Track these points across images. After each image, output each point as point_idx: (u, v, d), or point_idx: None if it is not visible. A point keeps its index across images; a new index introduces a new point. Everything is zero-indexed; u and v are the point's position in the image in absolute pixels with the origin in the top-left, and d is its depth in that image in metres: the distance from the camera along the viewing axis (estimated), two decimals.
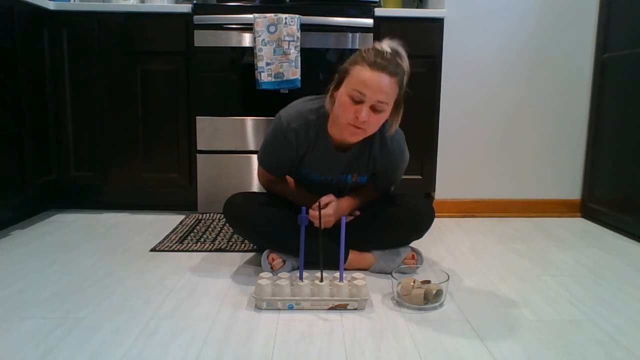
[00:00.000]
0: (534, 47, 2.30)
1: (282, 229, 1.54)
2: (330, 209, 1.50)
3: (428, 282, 1.38)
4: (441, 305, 1.34)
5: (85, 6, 2.20)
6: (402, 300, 1.34)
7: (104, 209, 2.36)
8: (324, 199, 1.51)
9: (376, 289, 1.45)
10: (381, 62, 1.31)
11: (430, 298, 1.32)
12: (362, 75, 1.31)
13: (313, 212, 1.45)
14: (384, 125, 1.45)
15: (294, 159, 1.54)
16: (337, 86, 1.39)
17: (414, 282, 1.35)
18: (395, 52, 1.36)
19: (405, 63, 1.37)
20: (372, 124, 1.36)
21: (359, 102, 1.32)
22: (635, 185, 2.03)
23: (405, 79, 1.38)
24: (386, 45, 1.36)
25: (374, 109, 1.33)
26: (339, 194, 1.59)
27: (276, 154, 1.53)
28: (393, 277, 1.38)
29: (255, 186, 2.27)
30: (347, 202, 1.58)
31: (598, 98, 2.29)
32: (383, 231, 1.58)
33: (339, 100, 1.36)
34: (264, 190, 1.70)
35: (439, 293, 1.33)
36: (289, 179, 1.66)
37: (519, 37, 2.29)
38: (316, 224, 1.44)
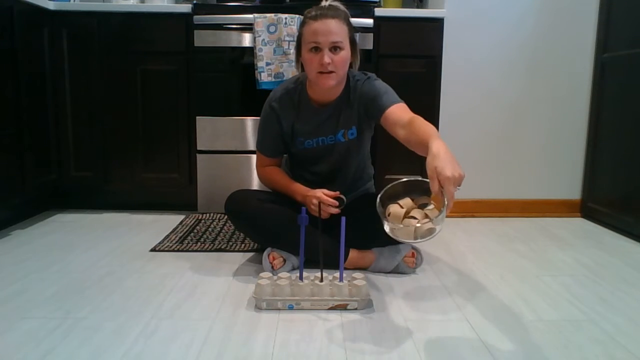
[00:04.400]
0: (534, 47, 2.30)
1: (282, 223, 1.55)
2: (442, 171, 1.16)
3: (425, 205, 1.14)
4: (432, 237, 1.09)
5: (85, 6, 2.20)
6: (392, 234, 1.11)
7: (104, 209, 2.36)
8: (329, 193, 1.55)
9: (376, 289, 1.45)
10: (321, 12, 1.48)
11: (420, 235, 1.08)
12: (310, 29, 1.48)
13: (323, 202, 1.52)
14: (351, 72, 1.60)
15: (285, 131, 1.63)
16: (299, 52, 1.55)
17: (409, 207, 1.11)
18: (331, 4, 1.54)
19: (343, 7, 1.55)
20: (338, 63, 1.48)
21: (318, 50, 1.47)
22: (635, 185, 2.03)
23: (349, 18, 1.54)
24: (324, 2, 1.56)
25: (332, 50, 1.47)
26: (338, 162, 1.66)
27: (267, 128, 1.65)
28: (380, 201, 1.15)
29: (256, 185, 2.27)
30: (438, 145, 1.20)
31: (598, 98, 2.29)
32: (383, 228, 1.58)
33: (304, 60, 1.52)
34: (265, 188, 1.72)
35: (430, 230, 1.08)
36: (287, 180, 1.67)
37: (519, 37, 2.29)
38: (324, 214, 1.51)
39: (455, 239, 2.00)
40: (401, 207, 1.13)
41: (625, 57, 2.11)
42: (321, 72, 1.47)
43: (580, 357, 1.09)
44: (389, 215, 1.13)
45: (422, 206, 1.13)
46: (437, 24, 2.23)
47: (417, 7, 2.63)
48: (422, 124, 1.34)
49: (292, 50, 2.11)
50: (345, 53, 1.49)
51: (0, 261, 1.65)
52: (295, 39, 1.93)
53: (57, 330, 1.18)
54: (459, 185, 1.15)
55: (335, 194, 1.55)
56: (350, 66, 1.57)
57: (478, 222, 2.29)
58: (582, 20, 2.29)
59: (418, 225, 1.08)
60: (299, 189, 1.60)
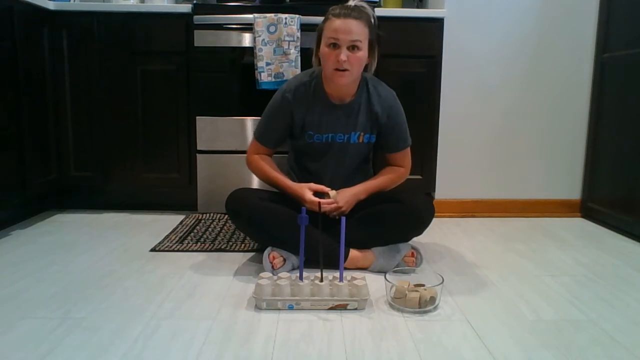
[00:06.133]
0: (534, 47, 2.30)
1: (282, 222, 1.55)
2: (338, 201, 1.58)
3: (422, 285, 1.36)
4: (435, 308, 1.33)
5: (85, 6, 2.20)
6: (396, 303, 1.33)
7: (104, 209, 2.36)
8: (317, 187, 1.58)
9: (376, 289, 1.45)
10: (345, 11, 1.51)
11: (423, 303, 1.31)
12: (332, 26, 1.51)
13: (316, 201, 1.55)
14: (368, 74, 1.64)
15: (296, 123, 1.63)
16: (318, 46, 1.58)
17: (408, 286, 1.34)
18: (357, 5, 1.55)
19: (369, 10, 1.57)
20: (353, 62, 1.51)
21: (336, 46, 1.50)
22: (635, 185, 2.03)
23: (373, 21, 1.57)
24: (351, 2, 1.57)
25: (350, 49, 1.50)
26: (343, 162, 1.66)
27: (275, 118, 1.65)
28: (387, 280, 1.36)
29: (256, 185, 2.27)
30: (356, 188, 1.64)
31: (598, 98, 2.29)
32: (383, 228, 1.59)
33: (322, 54, 1.55)
34: (267, 187, 1.72)
35: (432, 299, 1.32)
36: (277, 172, 1.67)
37: (520, 37, 2.29)
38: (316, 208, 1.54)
39: (455, 239, 2.00)
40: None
41: (625, 57, 2.11)
42: (336, 69, 1.50)
43: (580, 357, 1.09)
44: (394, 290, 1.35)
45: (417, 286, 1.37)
46: (437, 24, 2.23)
47: (417, 7, 2.63)
48: (380, 177, 1.70)
49: (292, 50, 2.11)
50: (362, 54, 1.52)
51: (0, 261, 1.65)
52: (293, 34, 1.95)
53: (57, 330, 1.18)
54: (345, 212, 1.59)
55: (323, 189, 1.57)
56: (365, 68, 1.60)
57: (478, 222, 2.29)
58: (582, 20, 2.29)
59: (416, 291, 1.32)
60: (287, 184, 1.62)
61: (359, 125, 1.64)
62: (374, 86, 1.65)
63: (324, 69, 1.57)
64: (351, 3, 1.56)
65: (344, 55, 1.48)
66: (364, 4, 1.58)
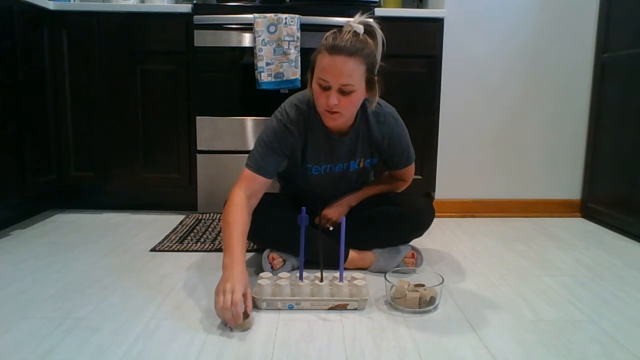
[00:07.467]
0: (534, 47, 2.30)
1: (281, 226, 1.54)
2: (327, 213, 1.62)
3: (422, 285, 1.36)
4: (435, 308, 1.33)
5: (85, 6, 2.20)
6: (396, 303, 1.33)
7: (104, 209, 2.36)
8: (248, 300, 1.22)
9: (376, 289, 1.45)
10: (338, 45, 1.29)
11: (423, 303, 1.31)
12: (322, 63, 1.32)
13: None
14: (368, 103, 1.47)
15: (295, 156, 1.52)
16: (312, 76, 1.40)
17: (408, 286, 1.34)
18: (358, 32, 1.33)
19: (373, 39, 1.36)
20: (345, 106, 1.35)
21: (327, 88, 1.33)
22: (635, 185, 2.03)
23: (378, 51, 1.37)
24: (353, 23, 1.35)
25: (341, 92, 1.32)
26: (342, 189, 1.65)
27: (279, 147, 1.46)
28: (387, 280, 1.35)
29: None
30: (347, 198, 1.65)
31: (598, 98, 2.29)
32: (383, 229, 1.59)
33: (313, 89, 1.38)
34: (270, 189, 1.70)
35: (432, 299, 1.32)
36: (238, 241, 1.32)
37: (519, 37, 2.29)
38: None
39: (456, 239, 2.00)
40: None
41: (625, 57, 2.11)
42: (326, 110, 1.37)
43: (580, 357, 1.09)
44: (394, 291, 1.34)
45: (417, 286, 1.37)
46: (437, 24, 2.23)
47: (417, 7, 2.63)
48: (376, 186, 1.69)
49: (292, 50, 2.11)
50: (356, 95, 1.35)
51: (0, 261, 1.65)
52: (293, 34, 1.91)
53: (57, 330, 1.18)
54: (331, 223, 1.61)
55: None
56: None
57: (478, 222, 2.29)
58: (582, 20, 2.29)
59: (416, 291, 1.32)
60: (229, 263, 1.26)
61: (358, 153, 1.55)
62: (373, 111, 1.49)
63: (316, 106, 1.41)
64: (354, 22, 1.35)
65: (333, 99, 1.31)
66: (371, 23, 1.36)
